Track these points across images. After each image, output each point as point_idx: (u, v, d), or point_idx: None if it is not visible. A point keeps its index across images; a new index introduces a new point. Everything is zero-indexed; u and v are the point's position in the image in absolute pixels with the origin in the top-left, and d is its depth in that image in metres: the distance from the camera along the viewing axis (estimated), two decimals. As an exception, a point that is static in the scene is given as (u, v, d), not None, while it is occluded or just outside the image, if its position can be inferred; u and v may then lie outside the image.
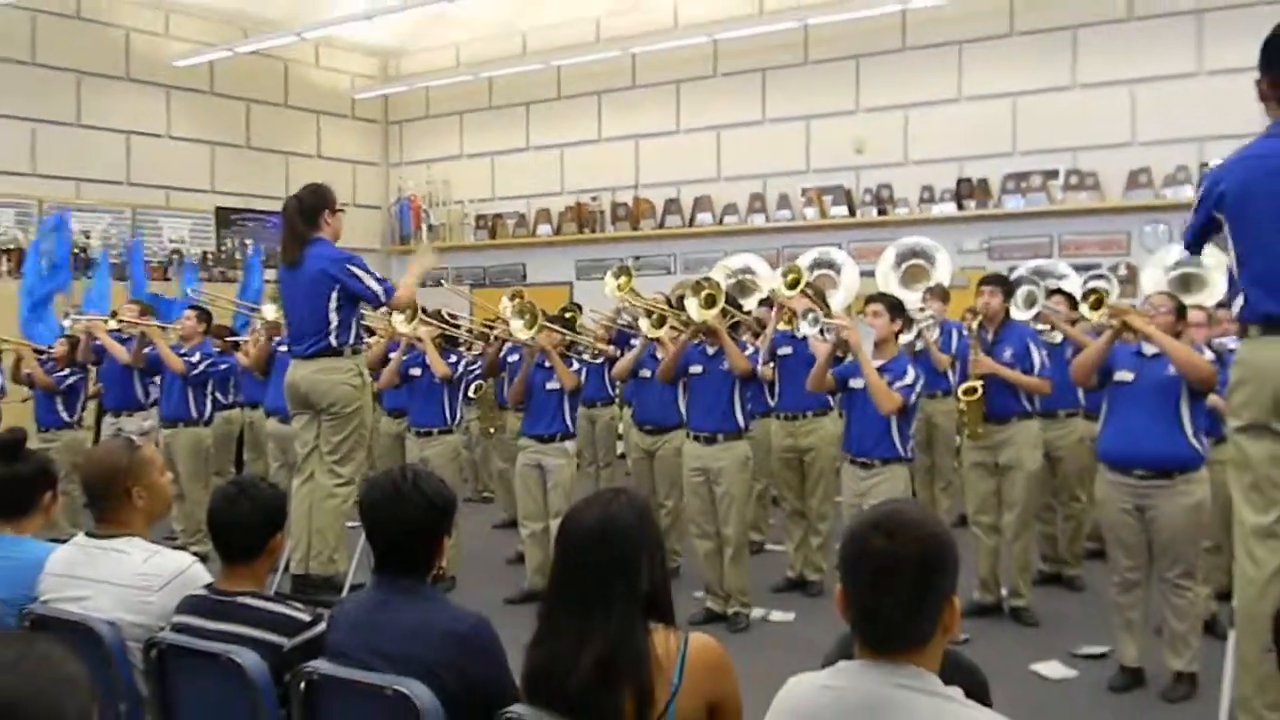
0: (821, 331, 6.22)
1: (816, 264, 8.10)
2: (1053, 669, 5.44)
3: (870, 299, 6.21)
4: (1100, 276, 6.78)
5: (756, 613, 6.43)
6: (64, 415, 8.42)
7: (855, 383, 5.87)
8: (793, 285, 6.90)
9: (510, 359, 7.51)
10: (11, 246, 11.95)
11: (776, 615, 6.49)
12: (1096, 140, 10.95)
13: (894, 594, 1.89)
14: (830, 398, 6.73)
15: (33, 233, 11.69)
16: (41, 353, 8.64)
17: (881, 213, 12.03)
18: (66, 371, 8.46)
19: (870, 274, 8.71)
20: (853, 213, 12.26)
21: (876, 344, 5.94)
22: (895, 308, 6.08)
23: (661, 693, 2.27)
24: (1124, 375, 5.08)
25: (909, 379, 5.75)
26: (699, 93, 13.43)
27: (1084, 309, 5.75)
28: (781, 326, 7.11)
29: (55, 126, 12.53)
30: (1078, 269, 8.56)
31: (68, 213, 11.49)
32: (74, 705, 1.39)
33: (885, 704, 1.88)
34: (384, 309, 6.63)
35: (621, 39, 13.42)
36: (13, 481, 3.41)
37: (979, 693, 2.12)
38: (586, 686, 2.23)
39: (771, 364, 6.92)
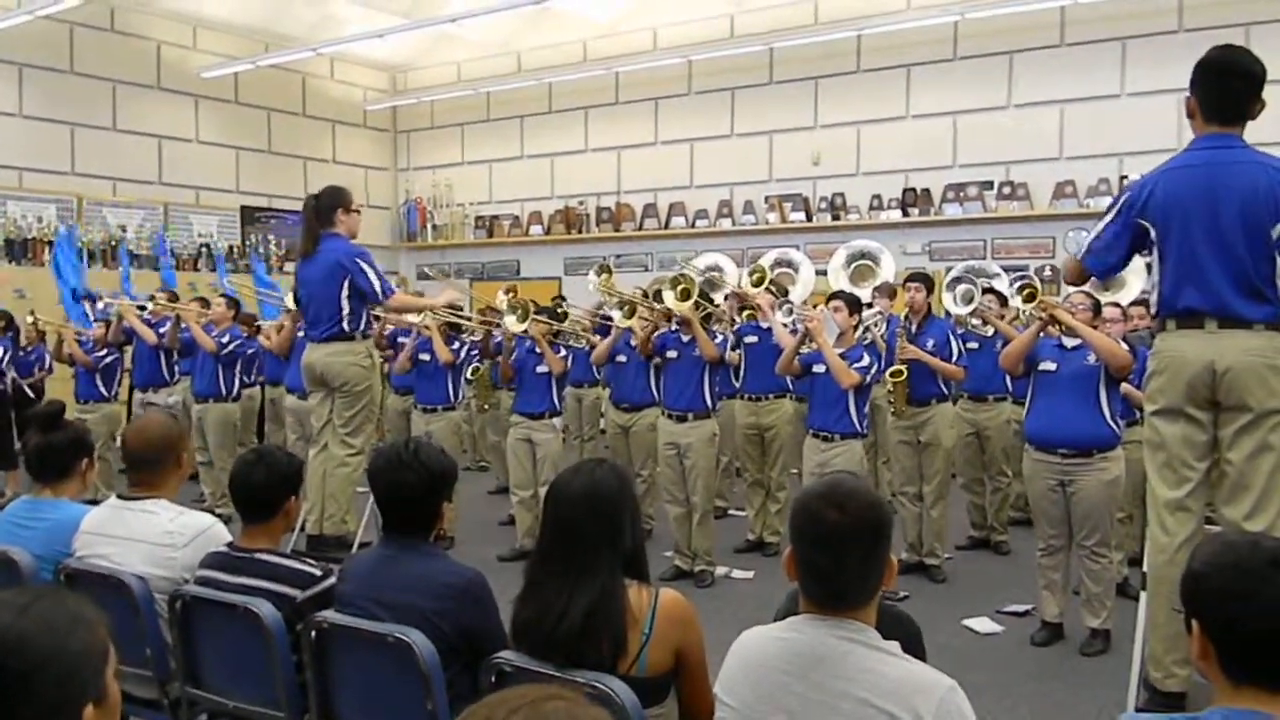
0: (793, 322, 6.27)
1: (777, 263, 8.11)
2: (981, 624, 5.47)
3: (832, 296, 6.28)
4: (1025, 277, 6.81)
5: (720, 570, 6.46)
6: (101, 390, 8.36)
7: (818, 368, 5.90)
8: (758, 283, 7.00)
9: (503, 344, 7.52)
10: (54, 239, 11.83)
11: (738, 573, 6.51)
12: (1028, 154, 11.01)
13: (843, 559, 1.89)
14: (789, 382, 6.75)
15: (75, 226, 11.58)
16: (81, 334, 8.59)
17: (835, 218, 12.07)
18: (103, 351, 8.39)
19: (823, 272, 8.73)
20: (810, 218, 12.28)
21: (839, 336, 5.97)
22: (854, 304, 6.12)
23: (634, 642, 2.27)
24: (1048, 365, 5.10)
25: (864, 363, 5.79)
26: (675, 109, 13.43)
27: (1017, 301, 5.78)
28: (744, 319, 7.17)
29: (93, 130, 12.40)
30: (1007, 270, 8.59)
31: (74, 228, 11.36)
32: (79, 642, 1.37)
33: (831, 654, 1.88)
34: (379, 306, 6.58)
35: (606, 59, 13.39)
36: (52, 449, 3.38)
37: (914, 644, 2.13)
38: (572, 636, 2.23)
39: (738, 351, 6.95)
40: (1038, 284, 5.81)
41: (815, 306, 6.44)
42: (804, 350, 5.95)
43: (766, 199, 12.67)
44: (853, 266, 8.33)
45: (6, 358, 8.78)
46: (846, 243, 8.87)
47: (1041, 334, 5.13)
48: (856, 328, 6.09)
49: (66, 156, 12.20)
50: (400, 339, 7.79)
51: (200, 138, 13.51)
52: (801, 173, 12.49)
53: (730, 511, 7.92)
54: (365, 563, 2.73)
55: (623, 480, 2.41)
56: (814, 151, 12.36)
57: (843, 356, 5.81)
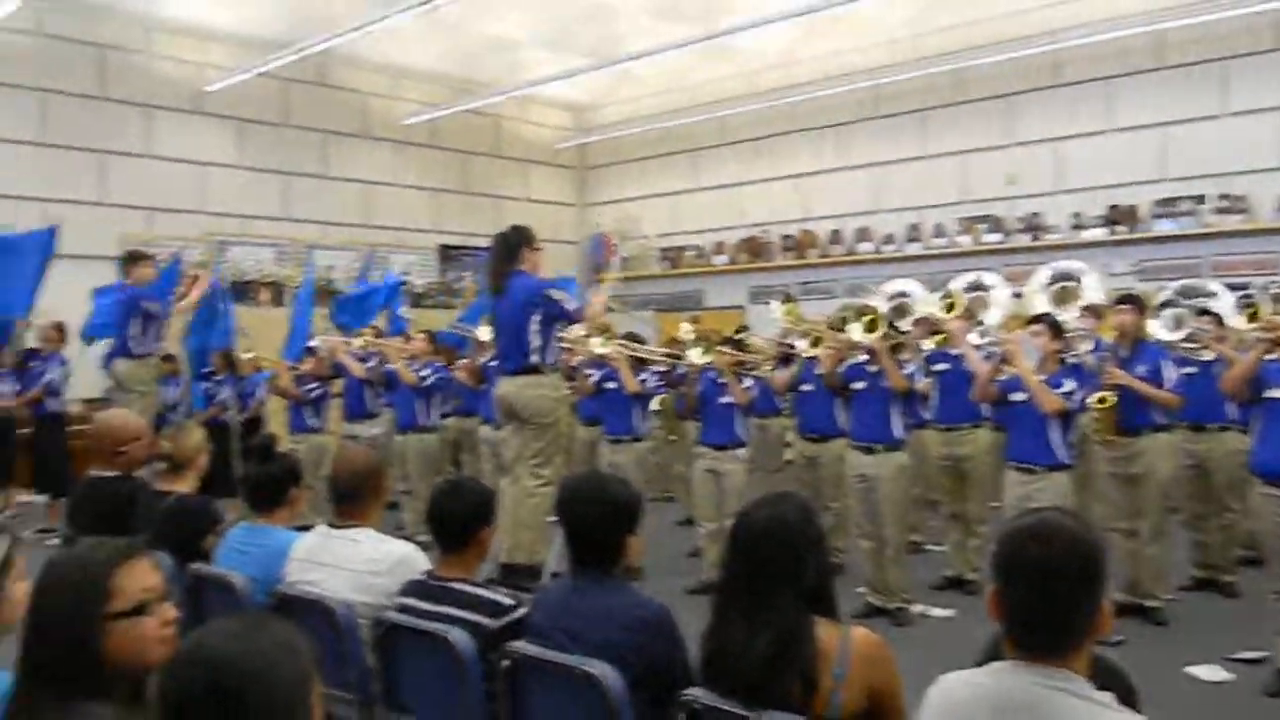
0: (986, 345, 6.03)
1: (971, 287, 7.85)
2: (1209, 672, 5.06)
3: (1032, 319, 6.01)
4: (1250, 296, 6.32)
5: (917, 608, 6.22)
6: (311, 422, 8.82)
7: (1016, 395, 5.63)
8: (949, 308, 6.75)
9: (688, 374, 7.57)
10: (271, 280, 12.67)
11: (936, 611, 6.26)
12: (1246, 165, 10.28)
13: (1049, 601, 1.79)
14: (985, 410, 6.49)
15: (289, 269, 12.36)
16: (293, 368, 9.11)
17: (1033, 239, 11.58)
18: (313, 385, 8.88)
19: (1020, 295, 8.38)
20: (1005, 239, 11.84)
21: (1040, 363, 5.70)
22: (1055, 328, 5.84)
23: (825, 681, 2.21)
24: (1276, 391, 4.71)
25: (1068, 388, 5.49)
26: (858, 133, 13.25)
27: (1239, 321, 5.38)
28: (935, 345, 6.94)
29: (305, 179, 13.25)
30: (1231, 288, 8.00)
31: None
32: (288, 670, 1.45)
33: (1037, 705, 1.77)
34: (577, 325, 6.73)
35: (781, 89, 13.39)
36: (265, 479, 3.59)
37: (1128, 699, 1.98)
38: (757, 672, 2.18)
39: (929, 379, 6.74)
40: (1264, 303, 5.38)
41: (1014, 331, 6.18)
42: (1001, 376, 5.71)
43: (958, 221, 12.30)
44: (1054, 288, 7.94)
45: (230, 394, 9.41)
46: (1046, 264, 8.49)
47: (1267, 357, 4.74)
48: (1059, 353, 5.79)
49: (282, 203, 13.08)
50: (588, 370, 7.92)
51: (402, 181, 14.23)
52: (995, 193, 12.07)
53: (926, 546, 7.66)
54: (556, 594, 2.76)
55: (807, 514, 2.36)
56: (1009, 171, 11.92)
57: (1044, 383, 5.53)
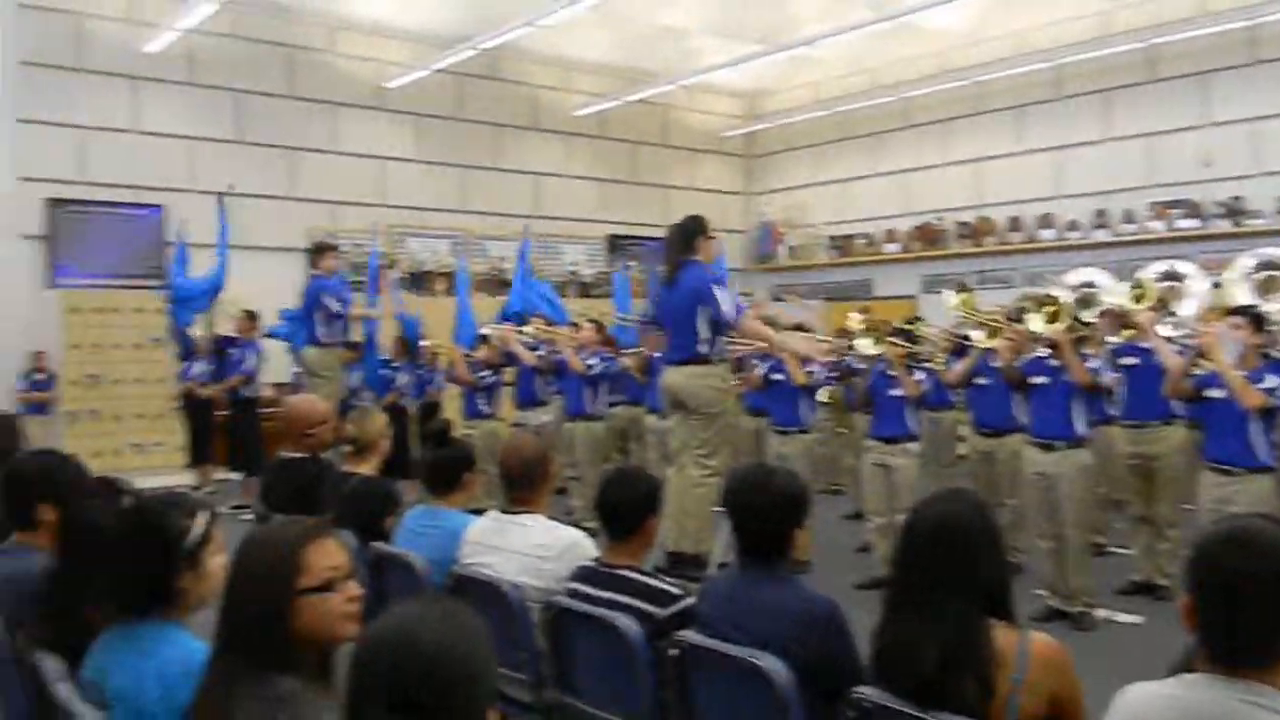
0: (1180, 338, 5.69)
1: (1163, 276, 7.41)
2: None
3: (1233, 311, 5.62)
4: None
5: (1101, 613, 5.95)
6: (484, 408, 9.07)
7: (1213, 392, 5.29)
8: (1139, 299, 6.38)
9: (858, 366, 7.44)
10: (446, 270, 13.12)
11: (1122, 617, 5.97)
12: None
13: (1248, 613, 1.68)
14: (1178, 407, 6.14)
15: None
16: (469, 356, 9.40)
17: (1234, 224, 10.88)
18: (487, 372, 9.14)
19: (1219, 285, 7.87)
20: (1202, 224, 11.16)
21: (1240, 358, 5.34)
22: (1258, 320, 5.45)
23: (1003, 687, 2.14)
24: None
25: (1270, 384, 5.12)
26: (1042, 115, 12.73)
27: None
28: (1122, 339, 6.60)
29: (478, 171, 13.65)
30: None
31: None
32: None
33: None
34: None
35: (965, 69, 12.95)
36: (441, 463, 3.72)
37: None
38: (930, 674, 2.13)
39: (1115, 374, 6.41)
40: None
41: (1211, 323, 5.81)
42: (1196, 371, 5.39)
43: (1149, 206, 11.67)
44: (1258, 277, 7.43)
45: (408, 380, 9.80)
46: (1248, 251, 7.95)
47: None
48: (1261, 347, 5.43)
49: (458, 195, 13.51)
50: (755, 361, 7.89)
51: (571, 172, 14.49)
52: (1189, 176, 11.39)
53: (1111, 549, 7.31)
54: (723, 585, 2.77)
55: (981, 513, 2.29)
56: (1205, 151, 11.23)
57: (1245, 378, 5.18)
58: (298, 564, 1.87)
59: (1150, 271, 7.34)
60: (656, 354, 7.55)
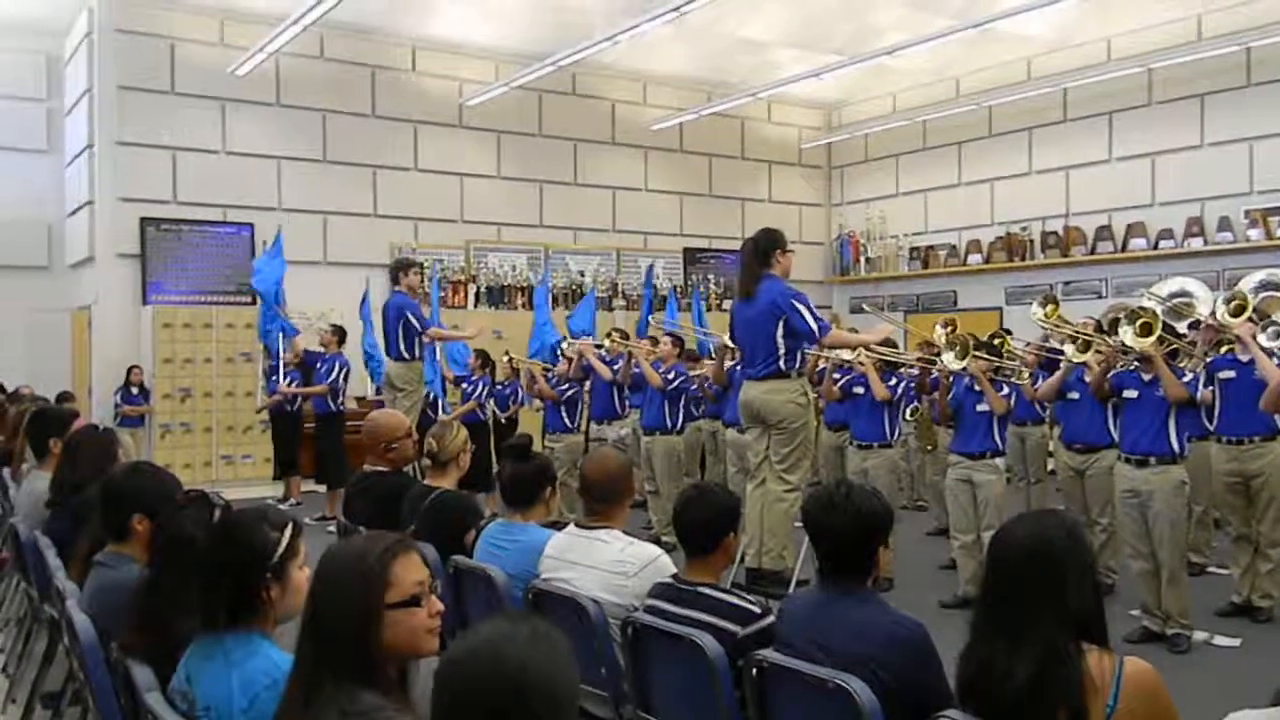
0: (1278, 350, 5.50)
1: (1263, 285, 7.16)
2: None
3: None
4: None
5: (1199, 635, 5.74)
6: (565, 421, 9.13)
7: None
8: (1237, 311, 6.14)
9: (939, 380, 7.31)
10: (525, 285, 13.25)
11: (1221, 640, 5.76)
12: None
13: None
14: (1277, 421, 5.92)
15: (540, 274, 12.89)
16: (549, 370, 9.48)
17: (1336, 232, 10.51)
18: (566, 386, 9.19)
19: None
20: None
21: None
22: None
23: (1095, 713, 2.07)
24: None
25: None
26: (1132, 121, 12.43)
27: None
28: (1220, 351, 6.39)
29: (557, 186, 13.77)
30: None
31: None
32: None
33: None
34: (815, 345, 6.62)
35: (1052, 76, 12.71)
36: (521, 478, 3.74)
37: None
38: (1018, 700, 2.07)
39: (1211, 388, 6.20)
40: None
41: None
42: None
43: (1247, 213, 11.31)
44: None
45: (486, 392, 9.90)
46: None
47: None
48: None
49: (536, 210, 13.64)
50: (835, 375, 7.79)
51: (649, 186, 14.53)
52: (1289, 183, 11.03)
53: (1209, 569, 7.07)
54: (804, 604, 2.73)
55: (1072, 533, 2.22)
56: (1307, 157, 10.87)
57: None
58: (386, 578, 1.89)
59: (1248, 282, 7.11)
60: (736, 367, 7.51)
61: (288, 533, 2.22)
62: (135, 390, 11.06)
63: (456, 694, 1.47)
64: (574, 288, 13.45)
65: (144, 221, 11.38)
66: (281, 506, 7.64)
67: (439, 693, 1.49)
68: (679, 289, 14.30)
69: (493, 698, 1.44)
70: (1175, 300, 7.23)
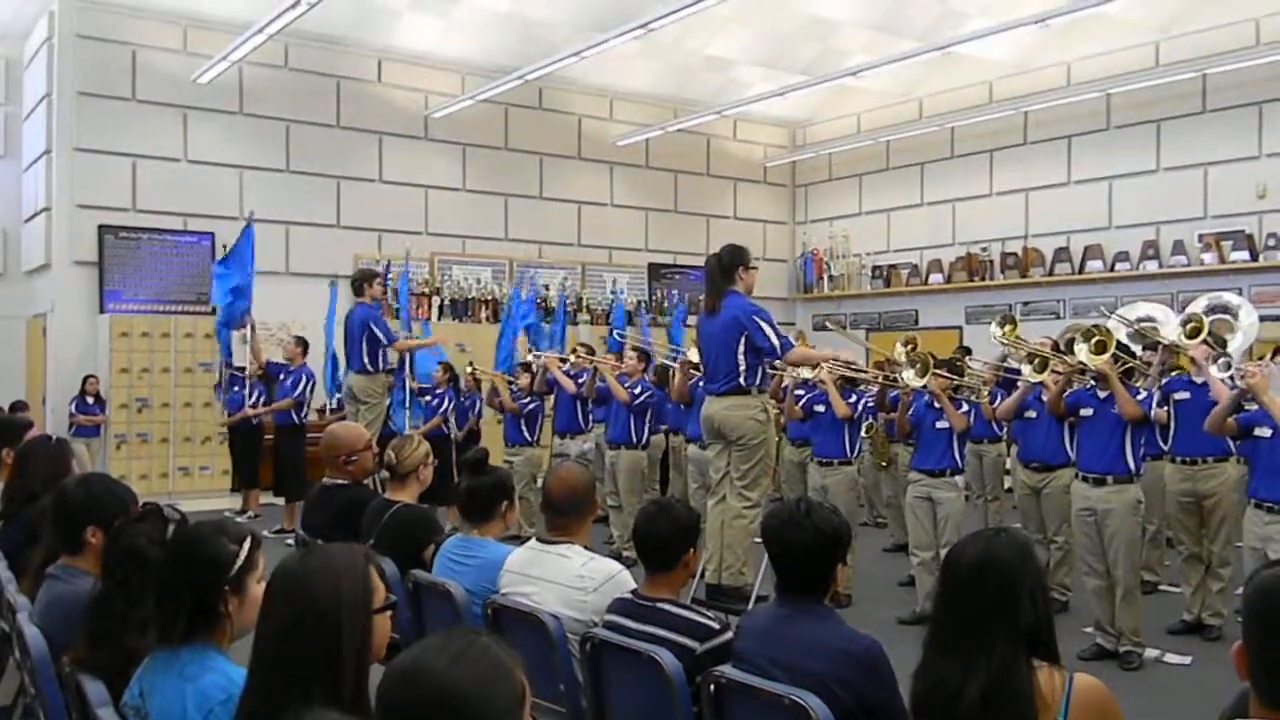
0: (1231, 377, 5.60)
1: (1210, 309, 7.31)
2: None
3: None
4: None
5: (1150, 653, 5.83)
6: (525, 434, 9.12)
7: (1261, 430, 5.20)
8: (1194, 334, 6.29)
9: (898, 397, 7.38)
10: (489, 298, 13.22)
11: (1172, 658, 5.85)
12: None
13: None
14: (1231, 444, 6.03)
15: (507, 287, 12.88)
16: (512, 383, 9.46)
17: (1288, 257, 10.73)
18: (528, 399, 9.18)
19: (1274, 318, 7.75)
20: (1254, 257, 11.01)
21: None
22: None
23: (1047, 729, 2.10)
24: None
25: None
26: (1090, 145, 12.64)
27: None
28: (1176, 372, 6.51)
29: (523, 199, 13.76)
30: None
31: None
32: (503, 690, 1.48)
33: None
34: (779, 361, 6.68)
35: (1014, 99, 12.90)
36: (478, 492, 3.73)
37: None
38: (971, 717, 2.10)
39: (1165, 408, 6.31)
40: None
41: (1261, 359, 5.72)
42: (1246, 409, 5.29)
43: (1200, 237, 11.53)
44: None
45: (450, 406, 9.86)
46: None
47: None
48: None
49: (501, 224, 13.63)
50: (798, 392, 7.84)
51: (614, 201, 14.57)
52: (1243, 207, 11.24)
53: (1161, 587, 7.18)
54: (761, 620, 2.75)
55: (1022, 551, 2.25)
56: (1259, 184, 11.09)
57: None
58: (371, 585, 1.91)
59: (1199, 304, 7.25)
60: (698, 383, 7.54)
61: (246, 546, 2.21)
62: (90, 400, 10.91)
63: (388, 709, 1.48)
64: (540, 300, 13.43)
65: (102, 229, 11.25)
66: (239, 519, 7.58)
67: (377, 709, 1.50)
68: (645, 304, 14.33)
69: (418, 717, 1.45)
70: (1141, 324, 7.37)
